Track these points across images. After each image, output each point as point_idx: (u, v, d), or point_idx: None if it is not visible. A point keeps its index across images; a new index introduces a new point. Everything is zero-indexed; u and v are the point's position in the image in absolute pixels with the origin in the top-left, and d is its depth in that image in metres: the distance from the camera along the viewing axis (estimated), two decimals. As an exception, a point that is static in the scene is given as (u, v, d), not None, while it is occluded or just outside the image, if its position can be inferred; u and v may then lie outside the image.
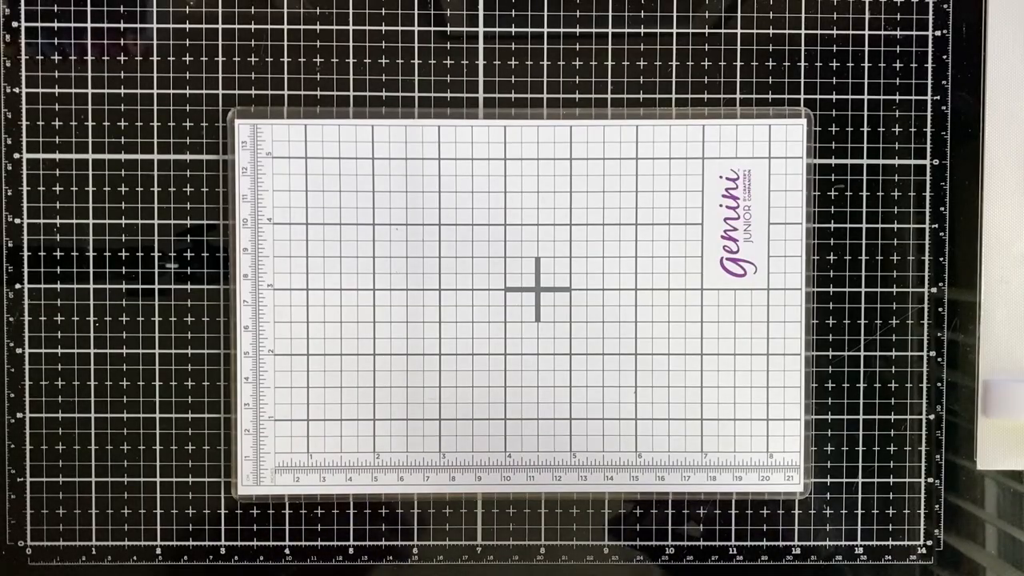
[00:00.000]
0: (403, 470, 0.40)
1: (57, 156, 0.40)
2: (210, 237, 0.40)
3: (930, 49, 0.40)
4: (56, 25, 0.39)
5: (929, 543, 0.41)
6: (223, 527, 0.40)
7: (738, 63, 0.40)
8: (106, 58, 0.39)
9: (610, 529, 0.40)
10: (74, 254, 0.40)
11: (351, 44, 0.40)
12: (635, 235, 0.40)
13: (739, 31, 0.40)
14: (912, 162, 0.40)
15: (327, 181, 0.39)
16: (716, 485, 0.40)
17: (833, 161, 0.40)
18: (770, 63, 0.40)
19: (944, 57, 0.40)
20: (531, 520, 0.40)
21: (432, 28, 0.40)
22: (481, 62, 0.40)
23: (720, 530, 0.40)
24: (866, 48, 0.40)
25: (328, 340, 0.40)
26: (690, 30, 0.40)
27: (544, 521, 0.40)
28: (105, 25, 0.39)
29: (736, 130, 0.39)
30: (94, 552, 0.40)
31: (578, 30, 0.40)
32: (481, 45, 0.40)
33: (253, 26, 0.40)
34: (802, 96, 0.40)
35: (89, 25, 0.39)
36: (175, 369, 0.40)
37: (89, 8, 0.39)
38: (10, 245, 0.40)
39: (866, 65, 0.40)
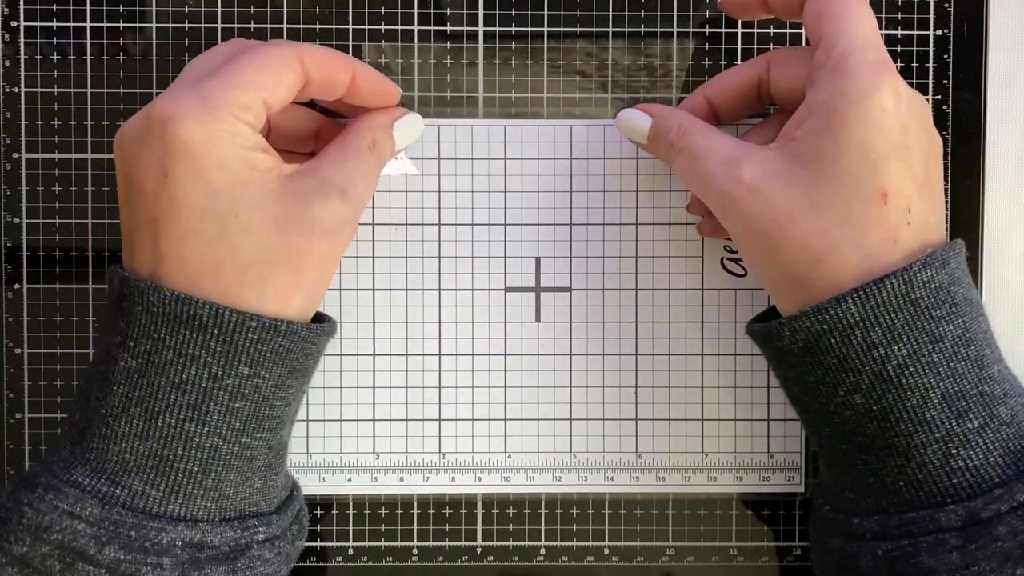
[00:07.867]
0: (403, 470, 0.40)
1: (56, 156, 0.40)
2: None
3: (931, 49, 0.40)
4: (55, 24, 0.39)
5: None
6: (223, 527, 0.40)
7: (738, 63, 0.40)
8: (105, 58, 0.39)
9: (610, 529, 0.40)
10: (73, 254, 0.40)
11: (351, 44, 0.40)
12: (635, 235, 0.40)
13: (739, 31, 0.40)
14: (913, 162, 0.40)
15: (327, 181, 0.39)
16: (717, 485, 0.40)
17: (834, 161, 0.40)
18: (771, 63, 0.40)
19: (945, 57, 0.40)
20: (531, 520, 0.40)
21: (432, 28, 0.40)
22: (481, 62, 0.40)
23: (720, 530, 0.40)
24: (867, 48, 0.40)
25: (328, 340, 0.40)
26: (690, 30, 0.40)
27: (544, 521, 0.40)
28: (104, 24, 0.39)
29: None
30: (94, 552, 0.40)
31: (578, 30, 0.40)
32: (481, 45, 0.40)
33: (253, 26, 0.40)
34: (803, 96, 0.40)
35: (88, 25, 0.39)
36: (175, 369, 0.40)
37: (88, 8, 0.39)
38: (9, 245, 0.40)
39: (867, 65, 0.40)
